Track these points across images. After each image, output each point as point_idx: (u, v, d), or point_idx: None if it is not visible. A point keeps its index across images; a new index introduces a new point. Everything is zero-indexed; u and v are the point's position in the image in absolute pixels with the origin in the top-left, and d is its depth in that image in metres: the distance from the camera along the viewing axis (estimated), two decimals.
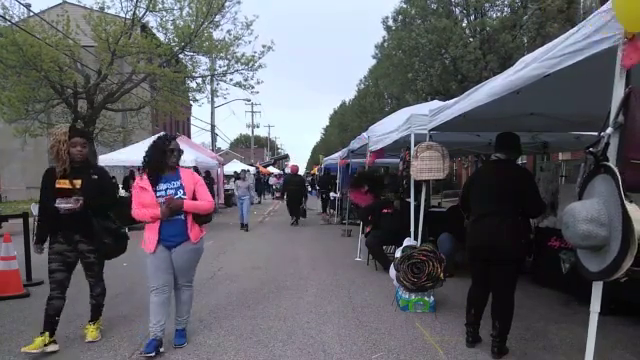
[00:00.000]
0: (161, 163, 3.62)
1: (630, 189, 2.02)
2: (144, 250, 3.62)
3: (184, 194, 3.61)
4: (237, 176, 15.76)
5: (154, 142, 3.73)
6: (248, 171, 17.09)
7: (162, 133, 3.80)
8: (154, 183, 3.59)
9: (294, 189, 14.16)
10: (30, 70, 12.56)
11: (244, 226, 12.69)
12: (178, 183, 3.64)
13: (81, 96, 13.99)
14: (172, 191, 3.59)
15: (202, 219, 3.77)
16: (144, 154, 3.72)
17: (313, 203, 18.73)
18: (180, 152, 3.71)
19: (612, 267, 2.02)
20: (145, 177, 3.61)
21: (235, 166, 29.97)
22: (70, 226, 3.75)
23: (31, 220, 6.40)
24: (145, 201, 3.56)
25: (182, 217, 3.63)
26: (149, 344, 3.62)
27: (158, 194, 3.56)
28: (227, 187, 21.83)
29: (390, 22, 18.65)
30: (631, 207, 1.98)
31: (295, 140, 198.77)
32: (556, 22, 12.96)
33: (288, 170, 18.81)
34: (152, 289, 3.66)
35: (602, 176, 2.13)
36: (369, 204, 8.09)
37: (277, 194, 24.22)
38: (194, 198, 3.67)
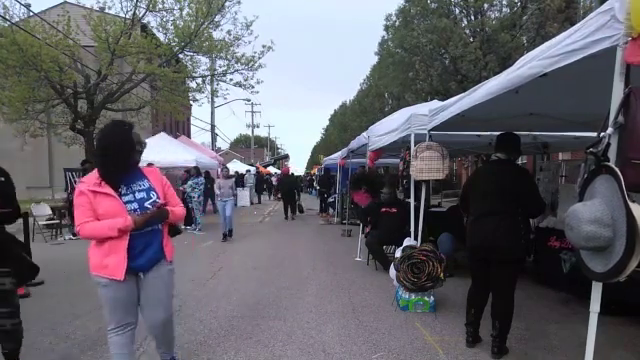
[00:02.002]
0: (128, 159, 2.71)
1: (631, 189, 2.02)
2: (97, 278, 2.64)
3: (158, 197, 2.78)
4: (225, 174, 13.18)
5: (114, 129, 2.73)
6: (231, 171, 14.98)
7: (117, 120, 2.94)
8: (117, 187, 2.67)
9: (287, 188, 16.52)
10: (30, 70, 12.55)
11: (227, 235, 10.43)
12: (146, 184, 2.79)
13: (81, 96, 13.98)
14: (142, 194, 2.72)
15: (174, 230, 3.01)
16: (99, 146, 2.77)
17: (313, 203, 18.76)
18: (145, 145, 2.86)
19: (618, 268, 2.02)
20: (101, 180, 2.64)
21: (235, 166, 29.98)
22: None
23: (31, 220, 6.40)
24: (108, 212, 2.58)
25: (159, 227, 2.78)
26: None
27: (125, 200, 2.66)
28: None
29: (391, 21, 18.66)
30: (634, 207, 1.97)
31: (295, 140, 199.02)
32: (556, 22, 12.96)
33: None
34: (112, 329, 2.77)
35: (603, 176, 2.12)
36: (368, 205, 8.11)
37: (279, 195, 24.32)
38: (165, 204, 2.86)
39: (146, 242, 2.71)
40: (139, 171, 2.84)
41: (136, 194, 2.71)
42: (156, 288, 2.81)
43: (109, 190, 2.62)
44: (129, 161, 2.73)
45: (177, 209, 2.90)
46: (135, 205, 2.66)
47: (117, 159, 2.67)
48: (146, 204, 2.69)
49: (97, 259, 2.63)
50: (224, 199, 10.54)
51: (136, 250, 2.66)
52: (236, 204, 21.23)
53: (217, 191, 10.76)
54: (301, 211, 17.17)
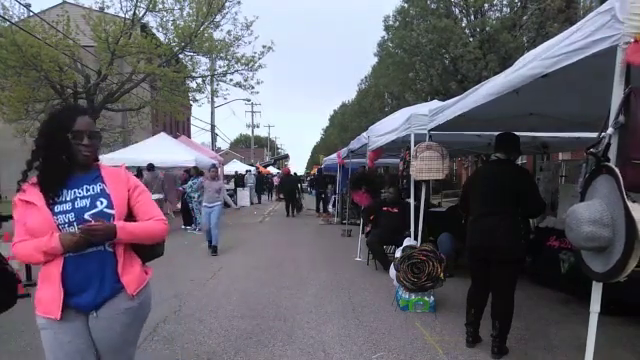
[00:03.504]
0: (64, 158, 1.98)
1: (632, 189, 2.02)
2: (38, 317, 1.98)
3: (109, 207, 1.99)
4: (198, 172, 11.57)
5: (51, 119, 2.09)
6: (191, 164, 12.53)
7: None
8: (51, 193, 1.95)
9: (288, 187, 17.39)
10: (30, 70, 12.57)
11: (212, 247, 8.54)
12: (97, 188, 2.02)
13: (81, 96, 13.99)
14: (85, 202, 1.97)
15: (149, 252, 2.16)
16: (36, 139, 2.06)
17: (313, 203, 18.82)
18: (98, 136, 2.09)
19: (617, 268, 2.02)
20: (32, 185, 1.98)
21: (235, 166, 29.95)
22: None
23: None
24: (34, 227, 1.91)
25: (106, 247, 1.97)
26: None
27: (58, 211, 1.93)
28: (227, 187, 21.86)
29: (390, 21, 18.66)
30: (633, 207, 1.97)
31: (295, 140, 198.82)
32: (556, 22, 12.96)
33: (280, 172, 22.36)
34: None
35: (604, 177, 2.12)
36: (369, 204, 8.11)
37: (280, 195, 24.41)
38: (130, 215, 2.07)
39: (89, 269, 1.94)
40: (96, 171, 2.09)
41: (77, 202, 1.96)
42: (108, 333, 2.01)
43: (33, 198, 1.94)
44: (64, 157, 1.98)
45: (145, 224, 2.05)
46: (70, 216, 1.92)
47: (47, 155, 1.99)
48: (86, 215, 1.93)
49: (36, 294, 1.99)
50: (209, 205, 8.68)
51: (75, 280, 1.92)
52: (236, 204, 21.38)
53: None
54: (300, 209, 17.93)
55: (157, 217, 2.10)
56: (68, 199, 1.98)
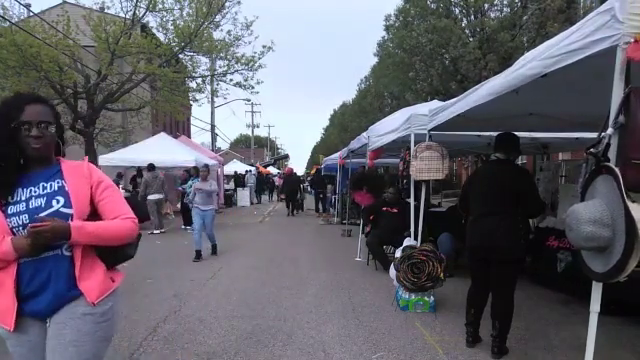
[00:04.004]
0: (14, 153, 1.77)
1: (632, 189, 2.02)
2: None
3: (67, 205, 1.78)
4: (190, 172, 10.97)
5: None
6: (191, 164, 11.79)
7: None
8: (1, 193, 1.77)
9: (291, 187, 17.79)
10: (30, 70, 12.55)
11: (212, 247, 8.23)
12: (55, 185, 1.82)
13: (81, 96, 13.98)
14: (40, 201, 1.77)
15: (114, 255, 1.91)
16: None
17: (313, 203, 18.85)
18: (52, 126, 1.82)
19: (617, 268, 2.02)
20: None
21: (235, 166, 29.92)
22: None
23: None
24: None
25: (63, 251, 1.78)
26: None
27: (11, 212, 1.75)
28: (227, 187, 21.86)
29: (391, 21, 18.66)
30: (633, 207, 1.97)
31: (295, 140, 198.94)
32: (556, 22, 12.95)
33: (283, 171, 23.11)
34: None
35: (603, 177, 2.12)
36: (370, 204, 8.10)
37: (281, 196, 24.53)
38: (94, 214, 1.86)
39: (44, 275, 1.75)
40: (57, 167, 1.87)
41: (31, 201, 1.76)
42: (56, 341, 1.76)
43: None
44: (15, 152, 1.77)
45: (109, 223, 1.83)
46: (24, 218, 1.73)
47: None
48: (42, 215, 1.72)
49: None
50: (202, 208, 7.93)
51: (29, 287, 1.74)
52: (236, 204, 21.40)
53: (188, 198, 8.43)
54: (301, 208, 18.48)
55: (124, 215, 1.88)
56: (23, 199, 1.77)
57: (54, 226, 1.68)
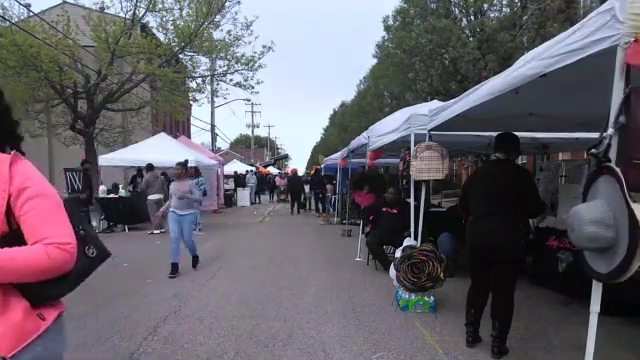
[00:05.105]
0: None
1: (633, 189, 2.02)
2: None
3: None
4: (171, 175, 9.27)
5: None
6: (190, 164, 9.77)
7: None
8: None
9: (295, 187, 18.68)
10: (30, 70, 12.57)
11: (193, 259, 7.06)
12: None
13: (81, 96, 14.00)
14: None
15: (38, 290, 1.33)
16: None
17: (313, 203, 18.91)
18: None
19: (621, 268, 2.01)
20: None
21: (235, 166, 29.90)
22: None
23: None
24: None
25: None
26: None
27: None
28: (227, 187, 21.85)
29: (390, 22, 18.67)
30: (636, 207, 1.97)
31: (295, 140, 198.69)
32: (556, 22, 12.96)
33: (288, 172, 23.83)
34: None
35: (605, 177, 2.12)
36: (370, 204, 8.11)
37: (282, 196, 24.47)
38: (14, 234, 1.33)
39: None
40: None
41: None
42: None
43: None
44: None
45: (21, 253, 1.28)
46: None
47: None
48: None
49: None
50: (178, 211, 6.71)
51: None
52: (236, 204, 21.38)
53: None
54: (304, 207, 19.10)
55: (48, 239, 1.30)
56: None
57: None
